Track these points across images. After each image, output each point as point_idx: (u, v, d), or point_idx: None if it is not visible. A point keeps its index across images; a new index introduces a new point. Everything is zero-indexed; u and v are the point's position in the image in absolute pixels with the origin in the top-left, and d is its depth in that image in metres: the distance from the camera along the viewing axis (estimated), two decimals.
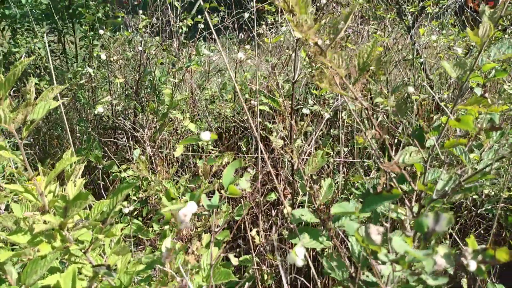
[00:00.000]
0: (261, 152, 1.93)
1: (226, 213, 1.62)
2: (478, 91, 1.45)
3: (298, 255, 0.67)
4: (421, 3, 2.62)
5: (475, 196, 1.72)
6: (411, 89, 0.91)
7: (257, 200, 1.76)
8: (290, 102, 1.21)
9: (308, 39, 0.70)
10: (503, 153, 1.03)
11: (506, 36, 2.26)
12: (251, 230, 1.79)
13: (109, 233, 0.79)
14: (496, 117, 1.41)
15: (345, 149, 1.85)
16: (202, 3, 1.41)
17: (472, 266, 0.57)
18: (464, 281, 1.44)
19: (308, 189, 1.19)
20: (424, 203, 1.02)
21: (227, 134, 2.48)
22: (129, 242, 1.53)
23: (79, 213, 0.95)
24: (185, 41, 2.48)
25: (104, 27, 2.59)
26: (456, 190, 1.07)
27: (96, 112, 1.78)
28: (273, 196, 1.97)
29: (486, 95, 0.78)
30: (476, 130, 0.79)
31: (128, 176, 1.78)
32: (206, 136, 0.83)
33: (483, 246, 0.62)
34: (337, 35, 0.72)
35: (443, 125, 1.05)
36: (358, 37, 2.70)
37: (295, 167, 1.26)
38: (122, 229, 1.25)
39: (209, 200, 0.77)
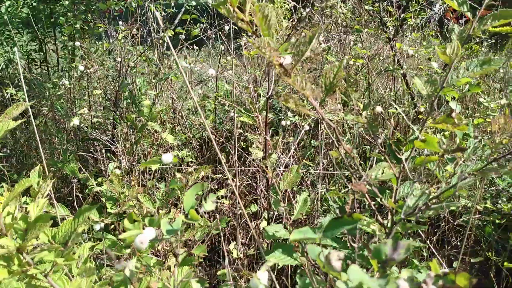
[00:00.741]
0: (239, 164, 1.91)
1: (203, 227, 1.60)
2: (453, 105, 1.46)
3: (260, 280, 0.65)
4: (402, 15, 2.65)
5: (452, 208, 1.73)
6: (379, 109, 0.91)
7: (235, 213, 1.75)
8: (265, 117, 1.20)
9: (272, 60, 0.69)
10: (467, 171, 1.03)
11: (483, 49, 2.30)
12: (229, 243, 1.77)
13: (68, 257, 0.77)
14: (471, 131, 1.42)
15: (325, 161, 1.85)
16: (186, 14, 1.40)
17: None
18: None
19: (282, 204, 1.18)
20: (396, 219, 1.02)
21: (208, 145, 2.46)
22: (101, 259, 1.50)
23: (46, 232, 0.92)
24: (167, 51, 2.47)
25: (83, 37, 2.56)
26: (428, 206, 1.07)
27: (71, 124, 1.75)
28: (252, 209, 1.95)
29: (453, 115, 0.78)
30: (441, 151, 0.79)
31: (103, 190, 1.74)
32: (168, 158, 0.82)
33: (446, 270, 0.61)
34: (302, 56, 0.72)
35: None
36: (340, 48, 2.72)
37: (270, 182, 1.25)
38: (93, 247, 1.22)
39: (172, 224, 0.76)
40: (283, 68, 0.71)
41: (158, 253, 1.57)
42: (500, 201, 1.59)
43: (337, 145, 0.85)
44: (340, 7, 3.00)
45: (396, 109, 1.72)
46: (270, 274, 0.72)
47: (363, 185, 0.79)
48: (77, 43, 2.09)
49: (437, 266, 0.63)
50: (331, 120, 0.86)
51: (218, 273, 1.70)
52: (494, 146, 0.93)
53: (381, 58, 2.75)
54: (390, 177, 1.04)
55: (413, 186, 1.16)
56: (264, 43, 0.66)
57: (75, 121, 1.76)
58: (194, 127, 2.54)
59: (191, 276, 1.04)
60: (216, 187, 2.22)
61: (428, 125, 0.90)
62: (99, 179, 1.81)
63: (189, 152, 2.13)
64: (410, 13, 2.63)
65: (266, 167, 1.20)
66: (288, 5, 3.60)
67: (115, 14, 2.53)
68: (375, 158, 1.32)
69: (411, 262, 1.64)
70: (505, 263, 1.49)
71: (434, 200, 1.05)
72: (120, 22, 2.23)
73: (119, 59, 2.05)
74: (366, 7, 2.57)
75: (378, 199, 1.07)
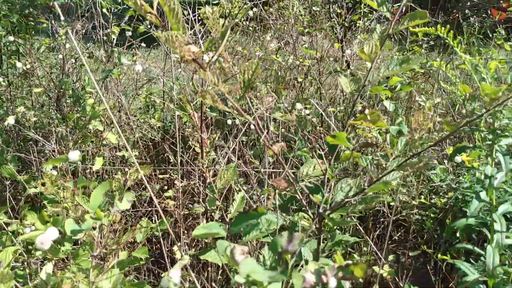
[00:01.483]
0: (189, 164, 1.89)
1: (146, 228, 1.57)
2: (387, 103, 1.51)
3: (172, 279, 0.64)
4: (349, 17, 2.72)
5: (392, 203, 1.79)
6: (299, 105, 0.92)
7: (181, 213, 1.72)
8: (200, 115, 1.19)
9: (184, 55, 0.68)
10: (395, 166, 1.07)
11: (423, 50, 2.40)
12: (174, 244, 1.74)
13: None
14: (404, 129, 1.48)
15: (271, 159, 1.86)
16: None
17: (332, 283, 0.57)
18: (375, 287, 1.49)
19: (217, 203, 1.17)
20: (323, 214, 1.04)
21: (159, 144, 2.41)
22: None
23: None
24: (114, 48, 2.40)
25: (29, 33, 2.44)
26: (355, 201, 1.09)
27: (6, 123, 1.66)
28: (201, 209, 1.94)
29: (366, 111, 0.80)
30: (351, 146, 0.81)
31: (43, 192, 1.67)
32: (74, 156, 0.79)
33: (350, 261, 0.63)
34: (217, 51, 0.72)
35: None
36: (292, 48, 2.75)
37: (207, 182, 1.24)
38: (16, 250, 1.16)
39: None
40: (197, 63, 0.70)
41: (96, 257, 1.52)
42: (434, 196, 1.67)
43: (264, 142, 0.85)
44: (293, 7, 3.04)
45: (337, 108, 1.76)
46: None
47: (283, 181, 0.80)
48: (11, 38, 1.98)
49: (341, 258, 0.65)
50: (265, 117, 0.86)
51: (162, 275, 1.67)
52: (413, 142, 0.97)
53: (331, 59, 2.81)
54: (319, 173, 1.06)
55: (344, 182, 1.19)
56: (172, 36, 0.65)
57: (10, 120, 1.67)
58: (143, 126, 2.49)
59: (119, 281, 1.01)
60: (166, 187, 2.18)
61: (349, 122, 0.92)
62: (37, 182, 1.73)
63: (135, 152, 2.08)
64: (357, 15, 2.71)
65: (203, 166, 1.19)
66: (247, 4, 3.61)
67: (58, 10, 2.43)
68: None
69: (352, 257, 1.69)
70: (439, 255, 1.56)
71: (360, 195, 1.08)
72: (62, 18, 2.14)
73: (60, 56, 1.96)
74: (314, 8, 2.61)
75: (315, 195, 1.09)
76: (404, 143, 1.27)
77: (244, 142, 2.39)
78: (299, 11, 3.10)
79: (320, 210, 1.09)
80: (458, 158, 1.39)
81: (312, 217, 1.11)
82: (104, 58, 2.19)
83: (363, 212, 1.83)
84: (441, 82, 1.48)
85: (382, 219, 1.79)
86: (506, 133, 1.00)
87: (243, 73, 0.77)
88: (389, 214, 1.76)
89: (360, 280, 1.32)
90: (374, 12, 2.84)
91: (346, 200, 1.04)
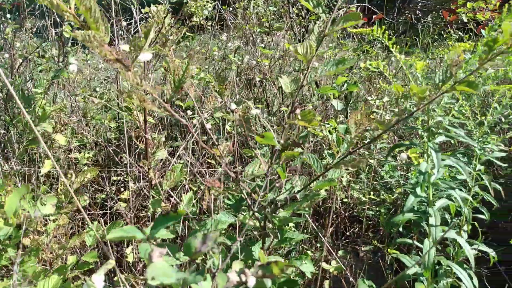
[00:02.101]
0: (134, 165, 1.86)
1: (95, 232, 1.53)
2: (335, 103, 1.54)
3: (94, 284, 0.63)
4: (307, 17, 2.76)
5: (345, 200, 1.83)
6: (233, 106, 0.92)
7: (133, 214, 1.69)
8: (143, 115, 1.18)
9: (106, 55, 0.67)
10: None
11: (379, 51, 2.46)
12: (127, 246, 1.71)
13: None
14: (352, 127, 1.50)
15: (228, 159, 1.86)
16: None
17: (251, 282, 0.58)
18: (326, 283, 1.52)
19: (163, 204, 1.16)
20: (266, 213, 1.05)
21: (118, 146, 2.36)
22: None
23: None
24: (71, 47, 2.32)
25: None
26: (300, 199, 1.11)
27: None
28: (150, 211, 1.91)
29: (297, 111, 0.81)
30: (278, 145, 0.82)
31: None
32: None
33: (273, 259, 0.64)
34: (139, 51, 0.71)
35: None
36: (252, 48, 2.76)
37: (152, 183, 1.22)
38: None
39: None
40: (121, 63, 0.69)
41: (45, 261, 1.47)
42: (383, 192, 1.71)
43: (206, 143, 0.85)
44: (254, 5, 3.05)
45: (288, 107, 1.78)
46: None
47: (217, 181, 0.80)
48: None
49: (264, 256, 0.65)
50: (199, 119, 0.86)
51: (115, 279, 1.64)
52: (350, 140, 0.99)
53: (291, 58, 2.84)
54: (262, 173, 1.07)
55: (294, 180, 1.20)
56: (90, 36, 0.63)
57: None
58: (101, 127, 2.43)
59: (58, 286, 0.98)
60: (123, 189, 2.14)
61: (287, 122, 0.93)
62: None
63: (89, 154, 2.02)
64: (313, 16, 2.74)
65: (148, 167, 1.17)
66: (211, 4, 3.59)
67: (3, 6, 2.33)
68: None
69: (306, 254, 1.71)
70: (389, 249, 1.60)
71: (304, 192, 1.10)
72: (8, 15, 2.05)
73: (6, 55, 1.89)
74: (270, 8, 2.63)
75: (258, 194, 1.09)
76: (349, 141, 1.29)
77: (204, 141, 2.37)
78: (263, 10, 3.11)
79: (262, 209, 1.10)
80: (403, 155, 1.43)
81: (256, 216, 1.12)
82: (55, 57, 2.11)
83: (319, 209, 1.86)
84: (381, 81, 1.52)
85: (335, 216, 1.82)
86: (440, 131, 1.04)
87: (172, 73, 0.77)
88: (341, 211, 1.79)
89: (309, 276, 1.34)
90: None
91: (292, 197, 1.05)
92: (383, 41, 1.03)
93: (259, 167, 1.13)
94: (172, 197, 1.42)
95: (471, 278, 1.45)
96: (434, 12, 2.87)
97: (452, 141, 1.84)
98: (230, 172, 0.92)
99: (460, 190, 1.45)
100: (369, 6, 2.67)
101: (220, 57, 2.40)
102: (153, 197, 1.20)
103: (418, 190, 1.04)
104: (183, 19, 2.87)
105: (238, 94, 2.67)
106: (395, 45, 1.01)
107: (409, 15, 2.75)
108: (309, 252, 1.66)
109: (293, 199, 1.21)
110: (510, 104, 1.34)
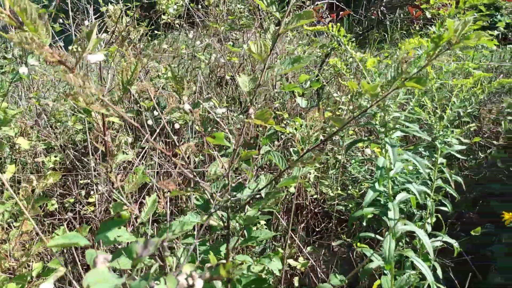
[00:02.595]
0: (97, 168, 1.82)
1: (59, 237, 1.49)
2: (299, 100, 1.55)
3: None
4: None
5: (315, 196, 1.84)
6: (186, 106, 0.91)
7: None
8: (101, 116, 1.16)
9: (47, 57, 0.65)
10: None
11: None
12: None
13: None
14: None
15: (197, 159, 1.85)
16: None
17: (198, 285, 0.57)
18: (295, 279, 1.53)
19: (125, 207, 1.14)
20: (228, 212, 1.05)
21: (85, 149, 2.31)
22: None
23: None
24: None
25: None
26: (265, 196, 1.11)
27: None
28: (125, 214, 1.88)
29: (250, 110, 0.81)
30: (230, 145, 0.82)
31: None
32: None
33: (240, 259, 0.63)
34: (83, 51, 0.69)
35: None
36: (221, 46, 2.75)
37: (115, 186, 1.20)
38: None
39: None
40: (63, 64, 0.67)
41: (9, 270, 1.44)
42: (350, 187, 1.74)
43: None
44: (224, 2, 3.03)
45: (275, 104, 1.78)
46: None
47: (171, 183, 0.79)
48: None
49: (214, 258, 0.65)
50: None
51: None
52: (308, 137, 1.00)
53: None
54: (222, 173, 1.07)
55: (261, 179, 1.20)
56: (28, 38, 0.61)
57: None
58: (70, 130, 2.38)
59: None
60: (92, 192, 2.10)
61: (245, 121, 0.93)
62: None
63: (56, 157, 1.98)
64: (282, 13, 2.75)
65: (108, 170, 1.15)
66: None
67: None
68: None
69: (276, 251, 1.72)
70: (358, 244, 1.63)
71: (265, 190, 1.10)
72: None
73: None
74: (238, 5, 2.62)
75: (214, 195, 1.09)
76: (314, 139, 1.30)
77: (173, 142, 2.35)
78: (234, 7, 3.10)
79: (225, 209, 1.10)
80: (368, 150, 1.45)
81: (220, 216, 1.11)
82: (17, 58, 2.05)
83: (289, 206, 1.87)
84: (340, 79, 1.54)
85: (305, 212, 1.84)
86: (397, 126, 1.06)
87: (121, 74, 0.75)
88: (311, 207, 1.81)
89: (277, 274, 1.35)
90: (302, 8, 2.90)
91: (256, 195, 1.05)
92: (338, 38, 1.04)
93: (222, 166, 1.12)
94: (144, 198, 1.41)
95: (435, 269, 1.49)
96: (399, 8, 2.92)
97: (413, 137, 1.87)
98: (187, 172, 0.91)
99: (425, 183, 1.49)
100: (337, 3, 2.70)
101: (189, 55, 2.38)
102: (115, 200, 1.18)
103: (376, 185, 1.05)
104: (152, 18, 2.83)
105: (210, 93, 2.66)
106: (350, 42, 1.03)
107: (375, 12, 2.79)
108: (280, 249, 1.66)
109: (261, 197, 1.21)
110: (468, 97, 1.37)
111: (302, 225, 1.83)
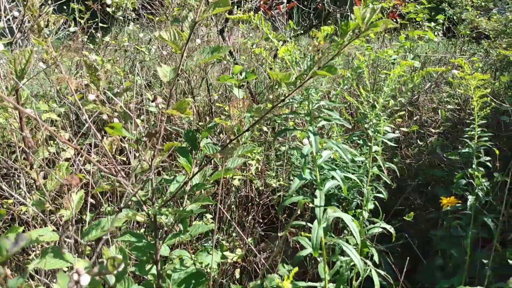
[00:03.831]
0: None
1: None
2: (236, 91, 1.54)
3: None
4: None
5: (261, 188, 1.85)
6: (91, 97, 0.88)
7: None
8: (18, 112, 1.10)
9: None
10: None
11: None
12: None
13: None
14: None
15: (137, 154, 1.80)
16: None
17: (84, 280, 0.55)
18: (237, 271, 1.53)
19: (48, 206, 1.09)
20: (153, 207, 1.03)
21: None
22: None
23: None
24: None
25: None
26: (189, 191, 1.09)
27: None
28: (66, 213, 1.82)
29: (158, 101, 0.79)
30: (129, 135, 0.80)
31: None
32: None
33: (177, 254, 0.61)
34: None
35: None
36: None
37: (37, 184, 1.15)
38: None
39: None
40: None
41: None
42: (292, 177, 1.76)
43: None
44: None
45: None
46: None
47: (75, 177, 0.76)
48: None
49: (108, 252, 0.63)
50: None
51: None
52: (230, 128, 0.99)
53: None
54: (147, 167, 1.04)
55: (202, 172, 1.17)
56: None
57: None
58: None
59: None
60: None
61: (165, 112, 0.91)
62: None
63: None
64: (233, 4, 2.73)
65: (29, 167, 1.10)
66: None
67: None
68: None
69: (221, 244, 1.71)
70: (302, 233, 1.64)
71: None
72: None
73: None
74: None
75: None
76: (231, 128, 1.29)
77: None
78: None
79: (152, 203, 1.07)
80: (305, 140, 1.47)
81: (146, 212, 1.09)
82: None
83: (236, 199, 1.87)
84: (267, 68, 1.54)
85: (250, 204, 1.84)
86: (322, 114, 1.07)
87: (13, 63, 0.71)
88: (256, 199, 1.81)
89: (214, 267, 1.34)
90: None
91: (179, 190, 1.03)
92: (260, 27, 1.04)
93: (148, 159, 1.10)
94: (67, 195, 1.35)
95: (372, 255, 1.53)
96: (350, 2, 2.97)
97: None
98: (104, 168, 0.88)
99: (367, 171, 1.52)
100: None
101: (133, 48, 2.31)
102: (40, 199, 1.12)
103: (302, 173, 1.06)
104: (96, 10, 2.73)
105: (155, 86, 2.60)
106: (273, 32, 1.02)
107: (319, 4, 2.82)
108: (224, 242, 1.66)
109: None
110: (398, 86, 1.41)
111: (250, 217, 1.83)
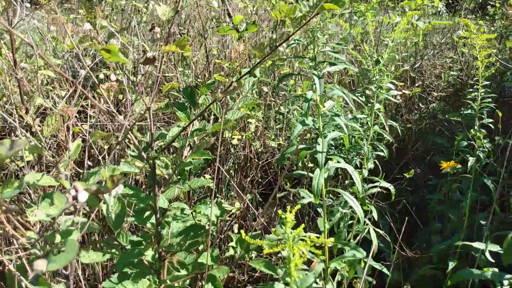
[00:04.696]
0: None
1: None
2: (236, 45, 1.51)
3: None
4: None
5: (260, 149, 1.83)
6: (87, 26, 0.85)
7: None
8: (12, 49, 1.06)
9: None
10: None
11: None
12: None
13: None
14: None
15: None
16: None
17: (82, 197, 0.54)
18: (235, 226, 1.53)
19: (44, 152, 1.07)
20: (152, 155, 1.01)
21: None
22: None
23: None
24: None
25: None
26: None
27: None
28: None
29: (155, 30, 0.76)
30: (126, 61, 0.77)
31: None
32: None
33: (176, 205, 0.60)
34: None
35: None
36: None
37: (33, 130, 1.12)
38: None
39: None
40: None
41: None
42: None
43: None
44: None
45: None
46: None
47: (70, 109, 0.73)
48: None
49: (107, 176, 0.61)
50: None
51: None
52: (232, 70, 0.96)
53: (213, 13, 2.75)
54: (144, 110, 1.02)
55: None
56: None
57: None
58: None
59: None
60: None
61: (163, 49, 0.88)
62: None
63: None
64: None
65: (25, 112, 1.07)
66: None
67: None
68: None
69: (220, 203, 1.71)
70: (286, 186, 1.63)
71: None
72: None
73: None
74: None
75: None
76: (248, 72, 1.27)
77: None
78: None
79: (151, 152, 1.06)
80: (309, 92, 1.44)
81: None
82: None
83: (237, 160, 1.85)
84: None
85: (248, 164, 1.83)
86: (329, 60, 1.04)
87: None
88: (255, 159, 1.80)
89: (213, 220, 1.34)
90: None
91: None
92: None
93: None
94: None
95: (370, 212, 1.53)
96: None
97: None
98: (101, 105, 0.86)
99: (368, 129, 1.50)
100: None
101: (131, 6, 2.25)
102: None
103: (305, 119, 1.04)
104: None
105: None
106: None
107: None
108: (222, 200, 1.65)
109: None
110: (402, 42, 1.37)
111: (249, 179, 1.82)
